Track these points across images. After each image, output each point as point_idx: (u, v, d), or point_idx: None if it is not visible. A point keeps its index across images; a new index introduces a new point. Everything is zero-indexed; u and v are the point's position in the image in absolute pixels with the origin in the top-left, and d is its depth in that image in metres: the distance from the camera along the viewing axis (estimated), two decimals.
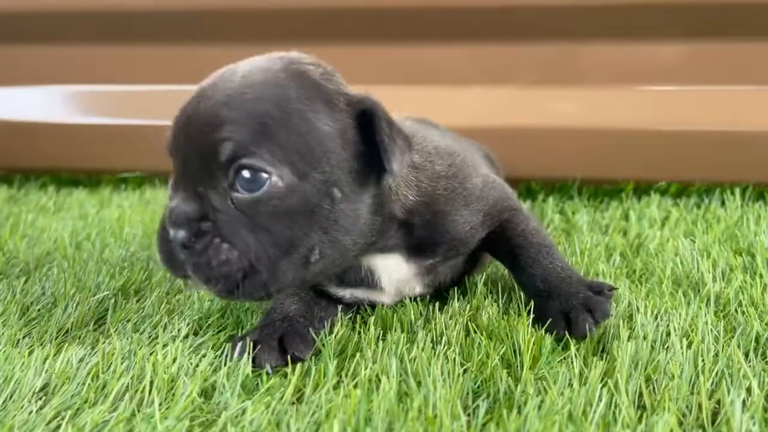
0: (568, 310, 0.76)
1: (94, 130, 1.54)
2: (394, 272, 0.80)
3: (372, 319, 0.78)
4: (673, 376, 0.65)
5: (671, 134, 1.35)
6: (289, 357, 0.70)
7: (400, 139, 0.67)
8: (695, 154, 1.35)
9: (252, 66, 0.67)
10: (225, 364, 0.68)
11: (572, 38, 1.36)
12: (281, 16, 1.40)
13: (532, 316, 0.77)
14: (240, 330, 0.78)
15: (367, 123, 0.66)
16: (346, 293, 0.82)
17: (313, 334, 0.75)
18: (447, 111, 1.32)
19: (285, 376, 0.68)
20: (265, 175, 0.62)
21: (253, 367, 0.68)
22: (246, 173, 0.62)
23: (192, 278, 0.65)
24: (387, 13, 1.40)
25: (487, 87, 1.40)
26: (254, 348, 0.69)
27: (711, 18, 1.29)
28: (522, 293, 0.86)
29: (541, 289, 0.81)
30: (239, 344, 0.71)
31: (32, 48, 1.59)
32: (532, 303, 0.80)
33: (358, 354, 0.70)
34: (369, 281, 0.80)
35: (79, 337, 0.76)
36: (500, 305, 0.83)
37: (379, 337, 0.74)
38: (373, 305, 0.84)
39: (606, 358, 0.69)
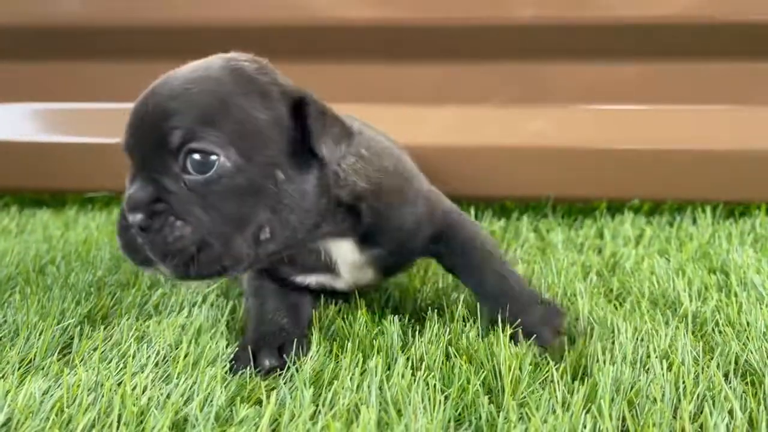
0: (526, 323, 0.80)
1: (59, 149, 1.50)
2: (349, 257, 0.86)
3: (349, 344, 0.76)
4: (655, 399, 0.65)
5: (643, 153, 1.36)
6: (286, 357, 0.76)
7: (336, 128, 0.74)
8: (666, 172, 1.36)
9: (194, 66, 0.75)
10: (197, 395, 0.65)
11: (544, 58, 1.37)
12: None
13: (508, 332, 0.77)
14: (213, 360, 0.75)
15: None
16: (312, 280, 0.89)
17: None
18: (419, 129, 1.32)
19: (260, 404, 0.66)
20: (213, 157, 0.69)
21: (255, 367, 0.74)
22: (196, 156, 0.69)
23: (151, 259, 0.70)
24: (365, 31, 1.39)
25: (460, 106, 1.40)
26: (256, 353, 0.76)
27: (682, 38, 1.31)
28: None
29: (490, 294, 0.85)
30: (242, 355, 0.77)
31: None
32: (508, 325, 0.79)
33: (335, 382, 0.68)
34: (328, 266, 0.87)
35: (43, 368, 0.73)
36: (479, 327, 0.81)
37: (357, 363, 0.72)
38: (335, 294, 0.91)
39: (587, 381, 0.68)
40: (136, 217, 0.68)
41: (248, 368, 0.74)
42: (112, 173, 1.47)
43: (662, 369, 0.70)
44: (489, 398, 0.65)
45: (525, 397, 0.66)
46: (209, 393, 0.65)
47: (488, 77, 1.39)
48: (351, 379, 0.68)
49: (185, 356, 0.74)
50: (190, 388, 0.67)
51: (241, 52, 0.77)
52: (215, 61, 0.75)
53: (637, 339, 0.78)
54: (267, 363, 0.75)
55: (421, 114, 1.39)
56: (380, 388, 0.66)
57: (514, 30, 1.35)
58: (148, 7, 1.44)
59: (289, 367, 0.73)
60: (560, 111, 1.39)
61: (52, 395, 0.64)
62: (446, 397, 0.66)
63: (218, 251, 0.70)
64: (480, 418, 0.62)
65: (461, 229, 0.91)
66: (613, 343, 0.78)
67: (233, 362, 0.76)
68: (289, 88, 0.74)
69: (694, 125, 1.37)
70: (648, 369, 0.71)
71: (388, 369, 0.71)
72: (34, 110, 1.55)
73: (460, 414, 0.64)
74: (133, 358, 0.74)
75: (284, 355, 0.76)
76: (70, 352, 0.78)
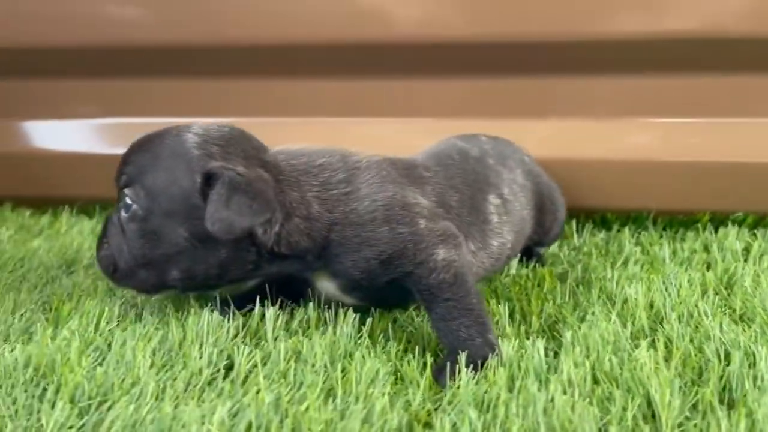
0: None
1: None
2: (323, 285, 0.97)
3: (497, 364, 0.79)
4: None
5: (747, 166, 1.36)
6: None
7: (248, 204, 0.83)
8: None
9: (160, 131, 0.92)
10: (376, 419, 0.69)
11: (647, 71, 1.38)
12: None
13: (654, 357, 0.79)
14: (371, 380, 0.79)
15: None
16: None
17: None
18: (521, 143, 1.34)
19: (429, 426, 0.70)
20: (131, 202, 0.89)
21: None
22: (126, 199, 0.89)
23: None
24: (458, 48, 1.42)
25: (562, 119, 1.41)
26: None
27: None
28: None
29: (445, 343, 0.86)
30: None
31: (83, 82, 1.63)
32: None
33: (497, 405, 0.72)
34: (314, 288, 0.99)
35: (212, 385, 0.78)
36: (617, 348, 0.84)
37: (510, 387, 0.76)
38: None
39: (739, 410, 0.70)
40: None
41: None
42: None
43: None
44: (649, 427, 0.68)
45: (683, 425, 0.69)
46: (385, 417, 0.70)
47: (589, 90, 1.40)
48: (511, 402, 0.72)
49: (344, 376, 0.79)
50: (364, 410, 0.71)
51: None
52: (174, 129, 0.91)
53: None
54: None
55: (522, 127, 1.41)
56: (545, 414, 0.69)
57: (614, 44, 1.36)
58: (211, 26, 1.49)
59: (451, 387, 0.77)
60: (662, 124, 1.40)
61: (242, 417, 0.69)
62: (605, 424, 0.69)
63: (124, 275, 0.92)
64: None
65: (420, 279, 0.89)
66: (749, 367, 0.80)
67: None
68: (209, 165, 0.86)
69: None
70: None
71: (538, 390, 0.74)
72: (101, 124, 1.64)
73: None
74: (295, 377, 0.80)
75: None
76: (231, 370, 0.83)
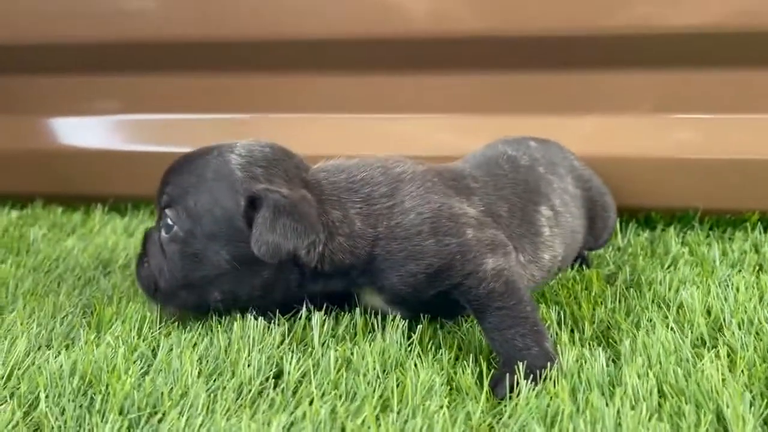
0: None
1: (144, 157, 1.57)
2: (368, 299, 0.95)
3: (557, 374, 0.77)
4: None
5: None
6: None
7: (289, 228, 0.81)
8: None
9: (201, 150, 0.92)
10: None
11: (692, 65, 1.33)
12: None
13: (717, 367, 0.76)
14: (426, 392, 0.77)
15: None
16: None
17: None
18: (562, 139, 1.30)
19: None
20: (172, 224, 0.88)
21: None
22: (168, 219, 0.88)
23: None
24: (495, 42, 1.38)
25: (604, 115, 1.37)
26: None
27: None
28: None
29: (500, 353, 0.83)
30: None
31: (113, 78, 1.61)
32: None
33: (562, 419, 0.69)
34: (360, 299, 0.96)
35: (262, 396, 0.76)
36: (680, 359, 0.81)
37: (575, 399, 0.73)
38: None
39: None
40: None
41: None
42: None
43: None
44: None
45: None
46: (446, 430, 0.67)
47: (633, 85, 1.36)
48: (578, 417, 0.69)
49: (398, 386, 0.77)
50: (423, 425, 0.68)
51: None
52: (216, 149, 0.90)
53: None
54: None
55: (561, 124, 1.37)
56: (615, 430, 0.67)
57: (659, 38, 1.31)
58: (230, 21, 1.47)
59: (510, 399, 0.74)
60: (708, 120, 1.35)
61: (300, 431, 0.67)
62: None
63: (165, 295, 0.92)
64: None
65: (470, 290, 0.86)
66: None
67: None
68: (253, 188, 0.85)
69: None
70: None
71: (606, 405, 0.71)
72: (121, 121, 1.63)
73: None
74: (347, 386, 0.77)
75: None
76: (280, 378, 0.81)
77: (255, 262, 0.85)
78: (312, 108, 1.54)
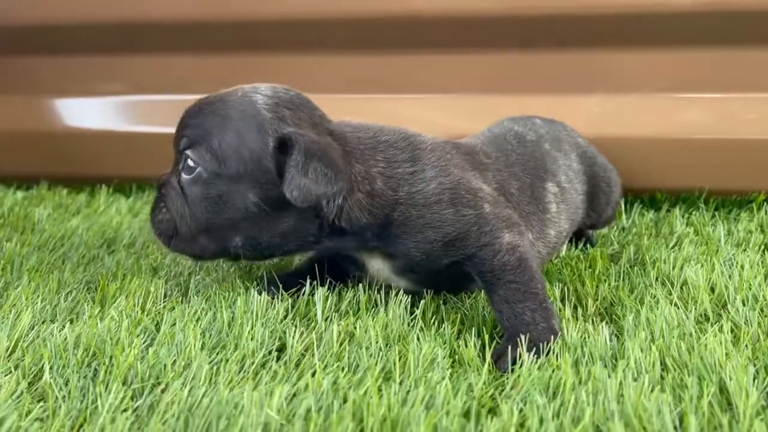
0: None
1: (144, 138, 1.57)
2: (376, 266, 0.94)
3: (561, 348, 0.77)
4: None
5: None
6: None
7: (322, 172, 0.79)
8: None
9: (223, 93, 0.88)
10: (441, 404, 0.67)
11: (698, 45, 1.32)
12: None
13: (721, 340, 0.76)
14: (429, 364, 0.77)
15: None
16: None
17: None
18: (567, 119, 1.29)
19: (494, 413, 0.67)
20: (194, 165, 0.84)
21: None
22: (189, 161, 0.84)
23: None
24: (501, 21, 1.37)
25: (609, 95, 1.36)
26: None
27: None
28: None
29: (507, 327, 0.83)
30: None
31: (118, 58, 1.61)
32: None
33: (563, 391, 0.69)
34: (365, 270, 0.96)
35: (266, 367, 0.76)
36: (683, 332, 0.81)
37: (577, 372, 0.73)
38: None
39: None
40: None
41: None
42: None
43: None
44: (727, 417, 0.65)
45: (760, 414, 0.65)
46: (448, 402, 0.67)
47: (638, 65, 1.35)
48: (580, 388, 0.69)
49: (401, 359, 0.77)
50: (426, 395, 0.68)
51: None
52: (238, 89, 0.87)
53: None
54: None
55: (567, 104, 1.36)
56: (618, 402, 0.66)
57: (667, 17, 1.30)
58: (240, 1, 1.46)
59: (513, 371, 0.74)
60: (714, 100, 1.34)
61: (300, 402, 0.67)
62: (680, 413, 0.66)
63: (186, 240, 0.88)
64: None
65: (484, 262, 0.86)
66: None
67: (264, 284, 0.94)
68: (283, 129, 0.82)
69: None
70: None
71: (608, 377, 0.71)
72: (122, 102, 1.63)
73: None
74: (350, 359, 0.77)
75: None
76: (283, 352, 0.81)
77: (280, 207, 0.83)
78: (313, 88, 1.52)
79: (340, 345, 0.81)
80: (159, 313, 0.90)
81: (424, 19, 1.37)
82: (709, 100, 1.35)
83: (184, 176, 0.85)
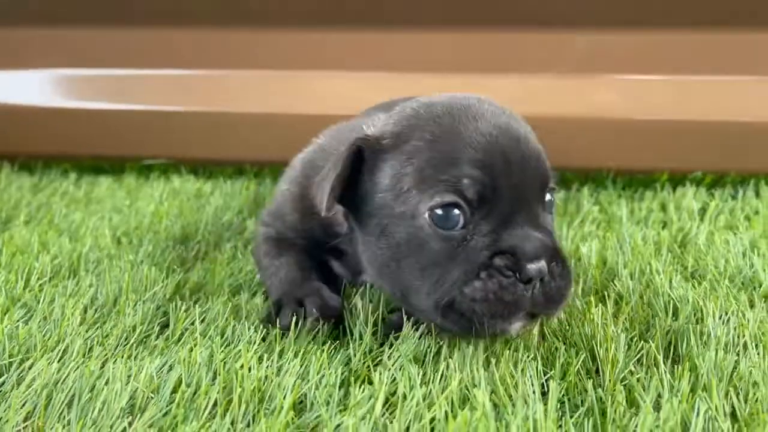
0: None
1: (119, 116, 1.50)
2: None
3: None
4: (756, 383, 0.66)
5: (706, 124, 1.34)
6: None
7: None
8: (729, 144, 1.35)
9: (493, 106, 0.75)
10: (311, 375, 0.67)
11: (606, 26, 1.35)
12: None
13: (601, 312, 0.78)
14: (313, 338, 0.76)
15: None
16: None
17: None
18: None
19: (369, 382, 0.67)
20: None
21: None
22: (549, 197, 0.73)
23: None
24: None
25: (524, 76, 1.38)
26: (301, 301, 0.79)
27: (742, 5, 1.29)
28: None
29: None
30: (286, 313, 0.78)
31: (45, 30, 1.54)
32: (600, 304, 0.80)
33: (439, 361, 0.70)
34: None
35: (145, 344, 0.74)
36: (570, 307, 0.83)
37: (455, 346, 0.74)
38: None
39: (685, 364, 0.69)
40: (541, 265, 0.66)
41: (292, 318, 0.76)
42: (169, 141, 1.50)
43: (758, 352, 0.71)
44: (592, 382, 0.66)
45: (626, 379, 0.67)
46: (322, 373, 0.67)
47: (550, 46, 1.37)
48: (453, 358, 0.70)
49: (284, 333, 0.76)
50: (301, 367, 0.68)
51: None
52: (492, 101, 0.76)
53: (722, 320, 0.79)
54: (314, 310, 0.77)
55: (480, 84, 1.37)
56: (486, 369, 0.68)
57: None
58: None
59: (391, 345, 0.74)
60: (622, 81, 1.37)
61: (170, 374, 0.66)
62: (548, 379, 0.67)
63: None
64: (586, 401, 0.64)
65: None
66: (697, 322, 0.79)
67: (267, 317, 0.79)
68: None
69: (757, 96, 1.35)
70: (738, 352, 0.72)
71: (486, 349, 0.72)
72: (90, 77, 1.55)
73: (566, 397, 0.65)
74: (233, 334, 0.76)
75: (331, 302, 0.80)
76: (167, 328, 0.79)
77: None
78: (253, 64, 1.49)
79: (226, 320, 0.80)
80: (41, 288, 0.87)
81: None
82: (617, 81, 1.37)
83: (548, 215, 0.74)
